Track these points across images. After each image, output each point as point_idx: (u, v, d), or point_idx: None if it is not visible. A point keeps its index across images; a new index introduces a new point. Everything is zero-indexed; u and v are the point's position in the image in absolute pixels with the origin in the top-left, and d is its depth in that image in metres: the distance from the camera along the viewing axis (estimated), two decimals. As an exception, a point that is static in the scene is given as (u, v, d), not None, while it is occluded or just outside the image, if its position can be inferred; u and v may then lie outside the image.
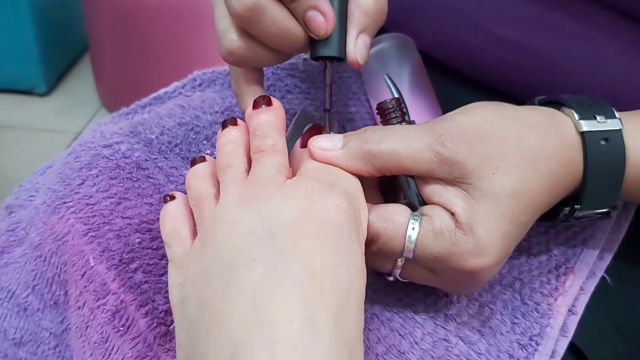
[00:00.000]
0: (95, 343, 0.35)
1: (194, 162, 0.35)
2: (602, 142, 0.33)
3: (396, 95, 0.38)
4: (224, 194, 0.32)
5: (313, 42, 0.35)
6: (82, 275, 0.36)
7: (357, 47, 0.35)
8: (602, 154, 0.33)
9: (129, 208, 0.38)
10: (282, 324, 0.26)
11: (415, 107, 0.38)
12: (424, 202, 0.34)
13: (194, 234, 0.33)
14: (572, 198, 0.35)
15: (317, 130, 0.35)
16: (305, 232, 0.29)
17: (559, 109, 0.35)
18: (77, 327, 0.36)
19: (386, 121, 0.36)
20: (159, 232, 0.38)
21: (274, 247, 0.29)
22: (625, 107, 0.42)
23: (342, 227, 0.30)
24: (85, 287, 0.36)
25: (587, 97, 0.35)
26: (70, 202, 0.38)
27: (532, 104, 0.37)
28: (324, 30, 0.34)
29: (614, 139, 0.33)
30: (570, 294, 0.38)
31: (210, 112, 0.45)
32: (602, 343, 0.40)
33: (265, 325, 0.26)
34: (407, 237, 0.32)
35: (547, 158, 0.32)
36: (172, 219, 0.34)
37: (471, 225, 0.31)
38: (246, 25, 0.34)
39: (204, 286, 0.29)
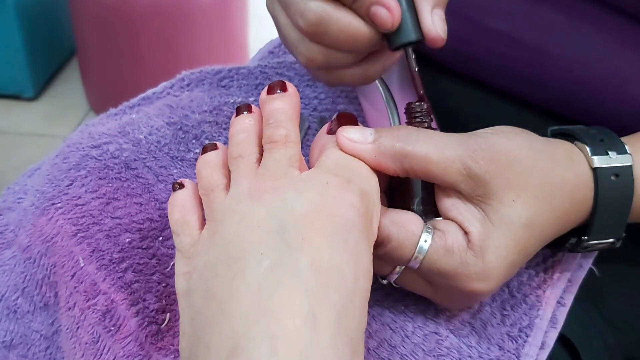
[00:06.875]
0: (86, 344, 0.35)
1: (205, 150, 0.34)
2: (613, 178, 0.34)
3: (383, 94, 0.38)
4: (234, 184, 0.32)
5: (386, 34, 0.34)
6: (72, 276, 0.36)
7: (434, 23, 0.34)
8: (612, 189, 0.34)
9: (118, 208, 0.38)
10: (284, 319, 0.26)
11: (404, 102, 0.38)
12: (433, 212, 0.33)
13: (202, 223, 0.33)
14: (579, 229, 0.35)
15: (350, 119, 0.34)
16: (314, 227, 0.29)
17: (571, 142, 0.35)
18: (67, 329, 0.36)
19: (412, 123, 0.35)
20: (149, 231, 0.38)
21: (282, 241, 0.28)
22: (612, 99, 0.42)
23: (353, 225, 0.30)
24: (75, 287, 0.36)
25: (598, 130, 0.35)
26: (59, 203, 0.38)
27: (544, 134, 0.37)
28: (391, 23, 0.33)
29: (624, 174, 0.34)
30: (559, 285, 0.38)
31: (199, 112, 0.45)
32: (591, 334, 0.40)
33: (268, 318, 0.26)
34: (417, 247, 0.32)
35: (562, 195, 0.33)
36: (181, 208, 0.33)
37: (483, 249, 0.31)
38: (315, 38, 0.34)
39: (210, 277, 0.29)
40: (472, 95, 0.49)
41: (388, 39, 0.34)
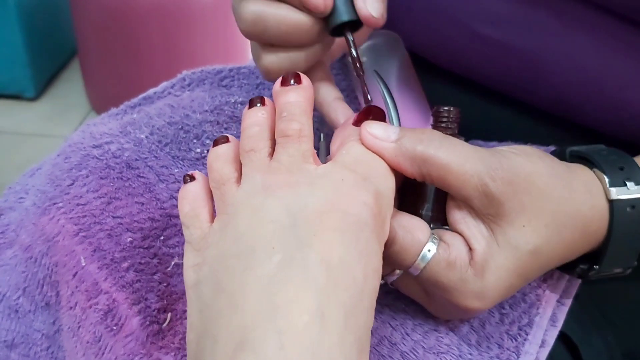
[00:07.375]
0: (87, 343, 0.35)
1: (216, 143, 0.34)
2: (629, 209, 0.33)
3: (385, 93, 0.38)
4: (247, 178, 0.32)
5: (324, 21, 0.34)
6: (74, 276, 0.36)
7: (366, 2, 0.34)
8: (628, 220, 0.33)
9: (119, 207, 0.38)
10: (292, 314, 0.26)
11: (403, 102, 0.38)
12: (440, 220, 0.33)
13: (212, 215, 0.33)
14: (589, 255, 0.35)
15: (378, 113, 0.34)
16: (326, 224, 0.29)
17: (590, 167, 0.35)
18: (69, 328, 0.36)
19: (437, 127, 0.35)
20: (150, 231, 0.38)
21: (294, 237, 0.28)
22: (607, 103, 0.42)
23: (365, 224, 0.29)
24: (76, 287, 0.36)
25: (618, 157, 0.35)
26: (61, 202, 0.38)
27: (563, 152, 0.36)
28: (323, 5, 0.33)
29: None
30: (559, 284, 0.38)
31: (200, 111, 0.45)
32: (591, 332, 0.40)
33: (276, 313, 0.26)
34: (420, 255, 0.32)
35: (574, 227, 0.33)
36: (192, 201, 0.33)
37: (484, 268, 0.31)
38: (261, 38, 0.34)
39: (221, 269, 0.29)
40: (468, 99, 0.49)
41: (326, 25, 0.35)
